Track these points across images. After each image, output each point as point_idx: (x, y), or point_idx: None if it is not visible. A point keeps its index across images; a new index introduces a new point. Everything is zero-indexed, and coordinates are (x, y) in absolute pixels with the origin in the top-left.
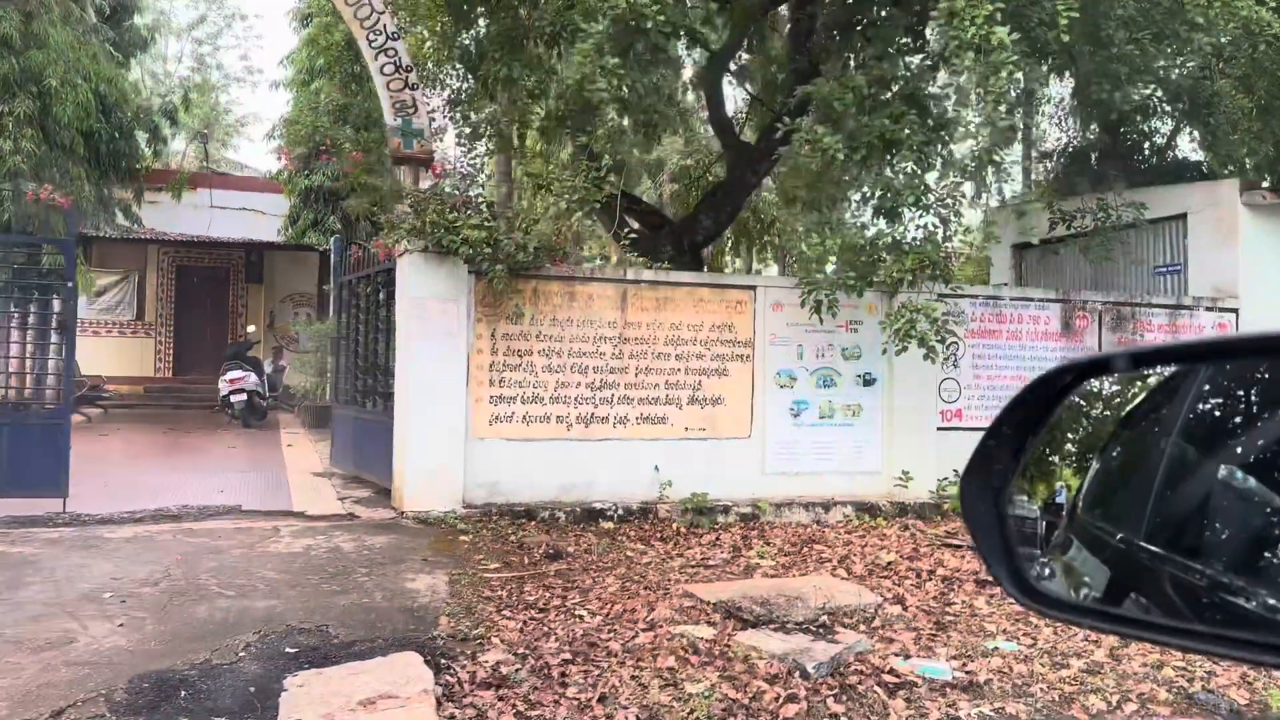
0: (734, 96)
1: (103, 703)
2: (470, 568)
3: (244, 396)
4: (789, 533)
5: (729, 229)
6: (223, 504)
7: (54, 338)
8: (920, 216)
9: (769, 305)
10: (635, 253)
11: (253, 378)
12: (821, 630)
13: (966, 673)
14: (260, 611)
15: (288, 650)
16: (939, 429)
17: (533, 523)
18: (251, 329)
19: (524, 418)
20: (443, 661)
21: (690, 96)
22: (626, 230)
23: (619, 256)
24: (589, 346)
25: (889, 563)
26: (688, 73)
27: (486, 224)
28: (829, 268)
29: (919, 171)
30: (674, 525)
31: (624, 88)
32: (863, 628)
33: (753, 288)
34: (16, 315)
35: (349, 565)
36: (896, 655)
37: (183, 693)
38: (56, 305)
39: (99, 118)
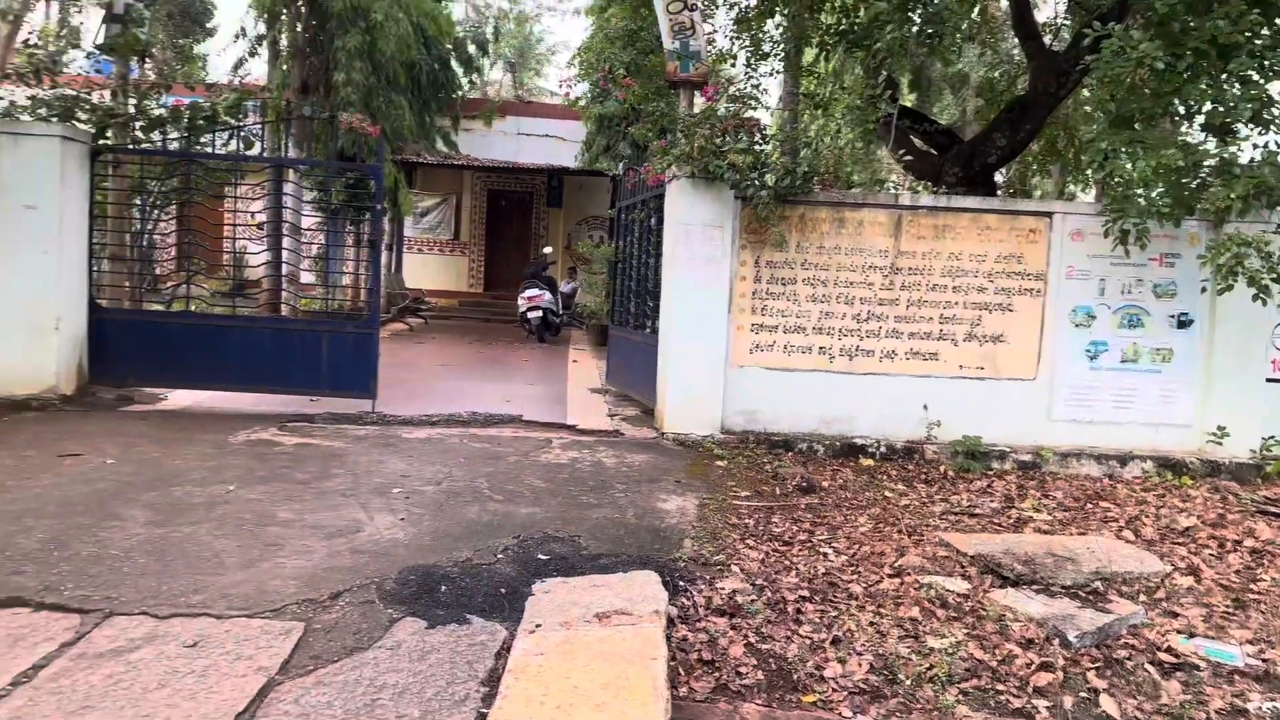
0: (1054, 1)
1: (374, 590)
2: (721, 493)
3: (539, 314)
4: (1073, 486)
5: (1035, 149)
6: (507, 413)
7: (365, 256)
8: (1259, 134)
9: (1067, 234)
10: (914, 175)
11: (548, 296)
12: (1092, 597)
13: (1263, 660)
14: (522, 517)
15: (540, 557)
16: (1268, 380)
17: (789, 453)
18: (548, 250)
19: (785, 347)
20: (680, 584)
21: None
22: (903, 152)
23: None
24: (857, 276)
25: (1187, 528)
26: None
27: (754, 148)
28: (1153, 193)
29: (1260, 81)
30: (941, 468)
31: None
32: (1143, 598)
33: (1049, 215)
34: (334, 235)
35: (608, 480)
36: (1179, 632)
37: (443, 588)
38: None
39: (420, 49)
